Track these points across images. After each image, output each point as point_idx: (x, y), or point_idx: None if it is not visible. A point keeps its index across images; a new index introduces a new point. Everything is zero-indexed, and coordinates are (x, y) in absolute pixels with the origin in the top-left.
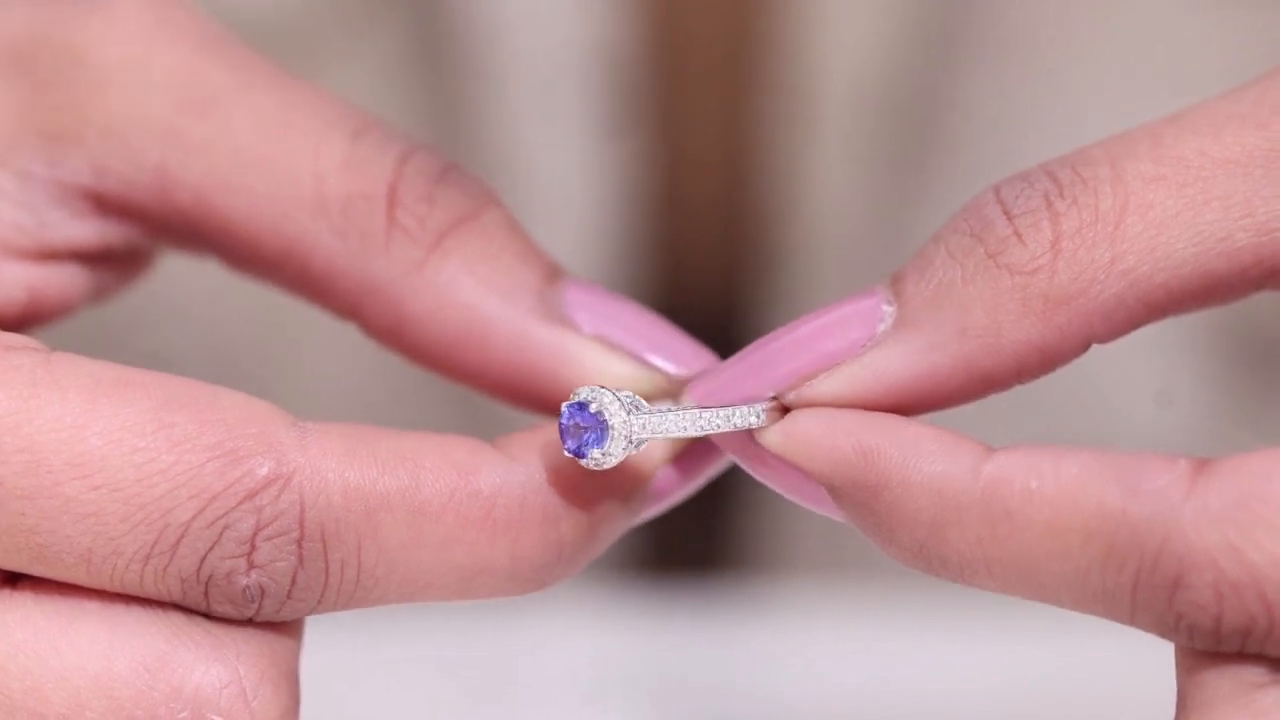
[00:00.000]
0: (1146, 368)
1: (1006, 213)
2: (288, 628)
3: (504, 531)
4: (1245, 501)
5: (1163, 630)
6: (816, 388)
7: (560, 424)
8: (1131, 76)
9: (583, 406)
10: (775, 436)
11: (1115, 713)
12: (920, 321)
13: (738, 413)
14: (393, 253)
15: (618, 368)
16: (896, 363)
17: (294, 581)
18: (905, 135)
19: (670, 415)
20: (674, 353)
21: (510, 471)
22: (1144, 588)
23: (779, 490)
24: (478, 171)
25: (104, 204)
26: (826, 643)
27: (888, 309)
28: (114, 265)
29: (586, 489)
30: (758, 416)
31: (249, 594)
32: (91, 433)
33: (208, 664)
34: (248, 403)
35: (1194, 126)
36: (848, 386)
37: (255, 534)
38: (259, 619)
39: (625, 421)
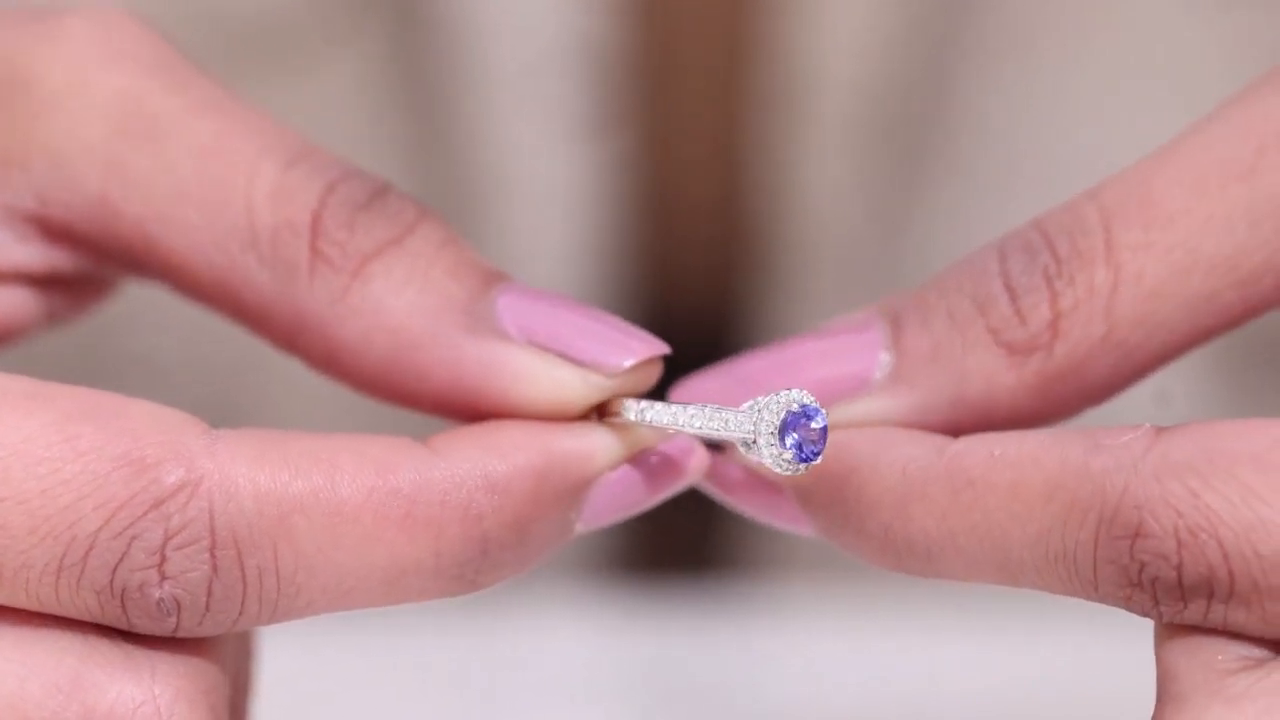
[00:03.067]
0: None
1: (1009, 288)
2: (212, 645)
3: (425, 529)
4: (1207, 454)
5: (1128, 594)
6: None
7: (790, 424)
8: (1130, 76)
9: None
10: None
11: (1113, 712)
12: (917, 382)
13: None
14: (316, 283)
15: (553, 373)
16: (889, 417)
17: (210, 592)
18: (902, 134)
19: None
20: (619, 346)
21: (431, 467)
22: (1105, 542)
23: (748, 511)
24: (465, 172)
25: (49, 230)
26: (821, 643)
27: (885, 357)
28: (66, 290)
29: (514, 488)
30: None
31: (164, 607)
32: None
33: (121, 684)
34: (157, 412)
35: (1179, 177)
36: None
37: (165, 544)
38: (182, 634)
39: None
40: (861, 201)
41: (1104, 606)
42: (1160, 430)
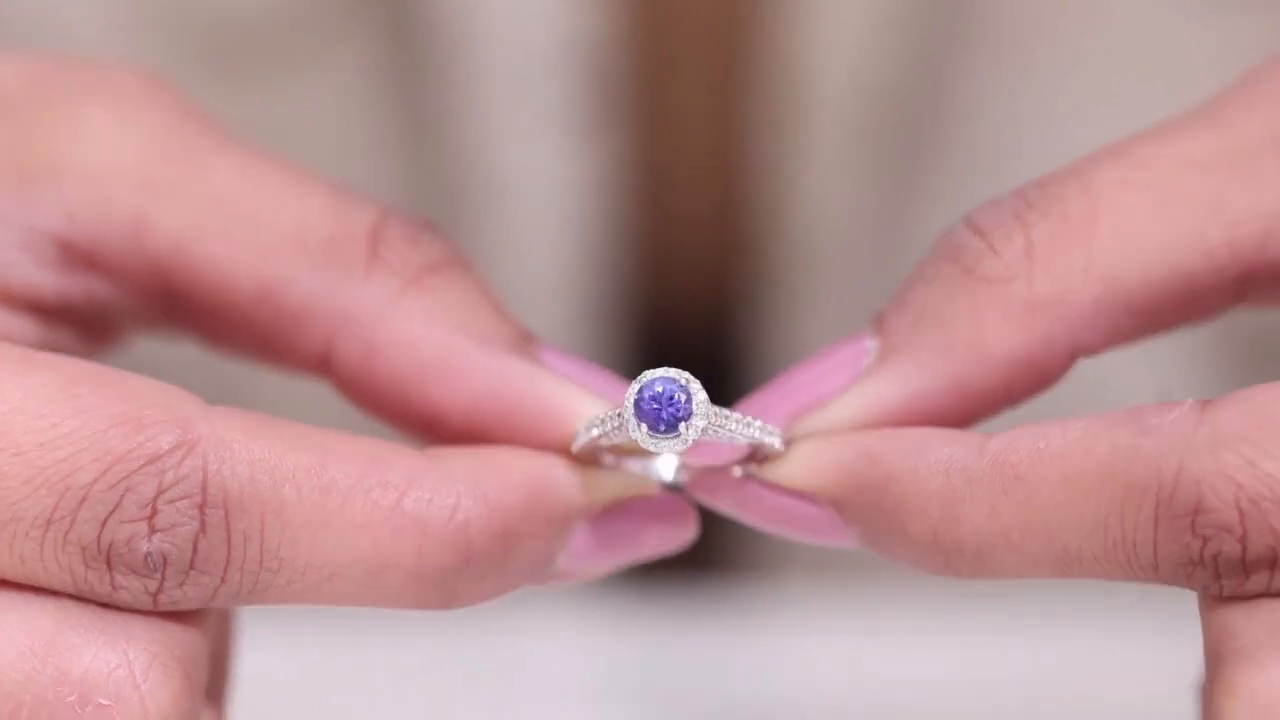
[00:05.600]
0: (1146, 368)
1: (978, 231)
2: (191, 619)
3: (411, 523)
4: (1257, 421)
5: (1189, 571)
6: (810, 424)
7: (637, 400)
8: (1129, 78)
9: (659, 390)
10: (780, 467)
11: (1113, 712)
12: (904, 346)
13: (766, 430)
14: (372, 282)
15: (594, 408)
16: (885, 389)
17: (195, 550)
18: (901, 134)
19: (734, 415)
20: None
21: (425, 468)
22: (1165, 521)
23: (784, 529)
24: (462, 172)
25: (71, 255)
26: (821, 644)
27: (871, 344)
28: (70, 327)
29: (504, 501)
30: (779, 441)
31: (151, 561)
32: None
33: (95, 648)
34: (157, 383)
35: (1155, 134)
36: (840, 419)
37: (157, 497)
38: (163, 600)
39: (707, 402)
40: (860, 202)
41: (1104, 606)
42: (1205, 403)
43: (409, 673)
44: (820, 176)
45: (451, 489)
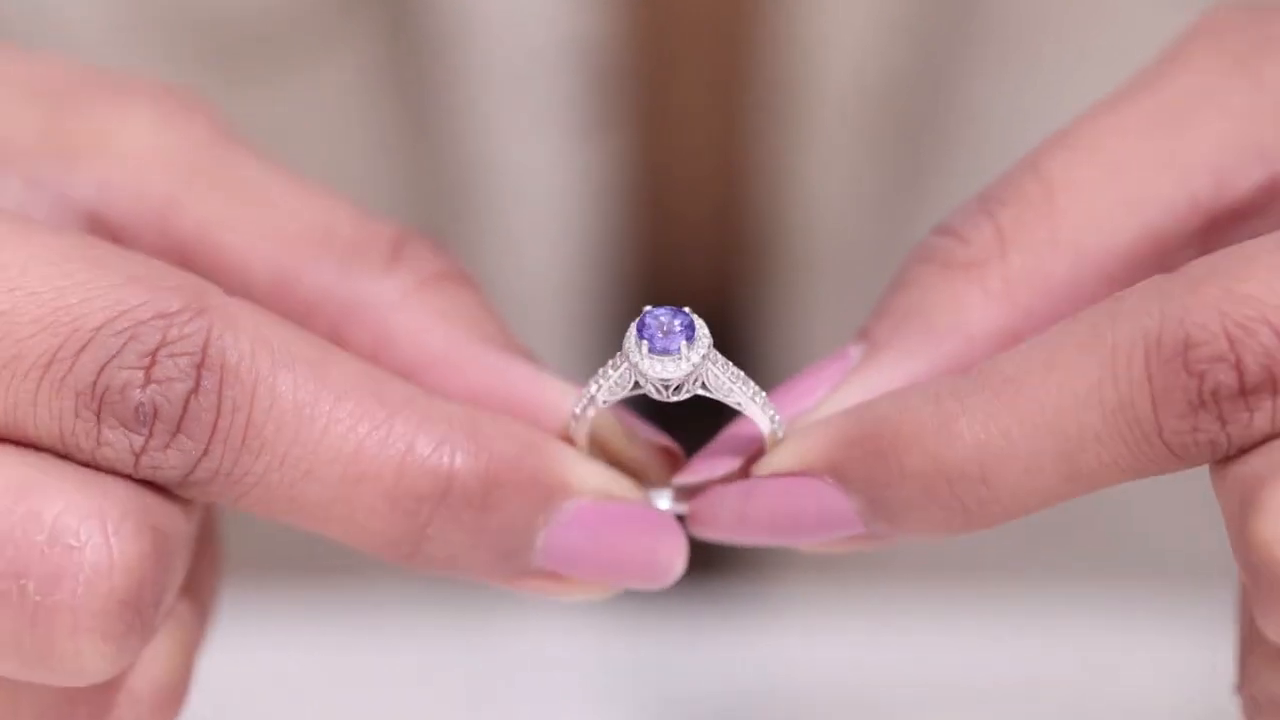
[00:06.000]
0: None
1: (947, 231)
2: (169, 495)
3: (399, 440)
4: (1225, 258)
5: (1193, 424)
6: (802, 424)
7: (639, 322)
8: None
9: (662, 317)
10: (775, 456)
11: (1113, 712)
12: (889, 341)
13: (770, 409)
14: (390, 277)
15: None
16: (874, 382)
17: (185, 408)
18: (903, 133)
19: (733, 369)
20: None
21: (424, 398)
22: (1158, 370)
23: (788, 532)
24: (462, 171)
25: (98, 227)
26: (821, 645)
27: (855, 351)
28: None
29: (495, 447)
30: (773, 415)
31: (141, 413)
32: (16, 246)
33: (72, 494)
34: (181, 270)
35: (1094, 111)
36: (831, 412)
37: (158, 349)
38: (144, 462)
39: (709, 338)
40: (861, 201)
41: (1104, 606)
42: (1169, 271)
43: (409, 673)
44: (821, 176)
45: (445, 419)
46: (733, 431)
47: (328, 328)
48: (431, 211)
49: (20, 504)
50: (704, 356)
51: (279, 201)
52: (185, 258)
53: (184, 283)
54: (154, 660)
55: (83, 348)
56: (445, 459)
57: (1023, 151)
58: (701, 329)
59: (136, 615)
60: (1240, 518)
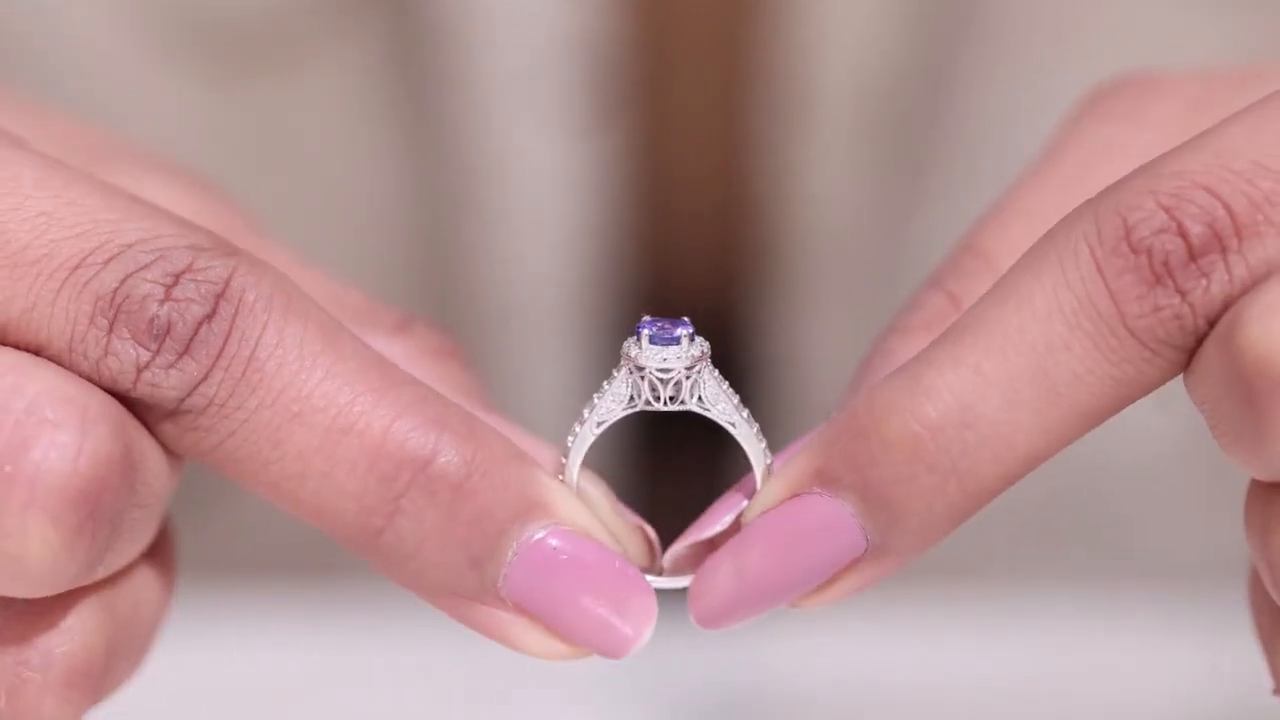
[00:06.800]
0: None
1: (901, 311)
2: (148, 437)
3: (392, 405)
4: (1147, 164)
5: (1154, 307)
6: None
7: (639, 325)
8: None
9: (661, 322)
10: (762, 495)
11: (1112, 711)
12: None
13: (762, 446)
14: (395, 341)
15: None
16: (810, 447)
17: (196, 331)
18: (903, 133)
19: (728, 389)
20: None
21: (428, 387)
22: (1106, 260)
23: (790, 572)
24: (462, 169)
25: None
26: (822, 645)
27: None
28: None
29: (487, 441)
30: (770, 464)
31: (155, 325)
32: (65, 172)
33: (58, 381)
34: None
35: (1015, 185)
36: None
37: (184, 271)
38: (144, 379)
39: (701, 343)
40: (862, 201)
41: (1104, 606)
42: None
43: (409, 673)
44: (821, 175)
45: (444, 405)
46: (713, 509)
47: None
48: (432, 209)
49: (6, 377)
50: (704, 354)
51: (289, 268)
52: None
53: (221, 233)
54: (77, 628)
55: (113, 257)
56: (434, 432)
57: (1022, 151)
58: (699, 339)
59: (90, 518)
60: (1225, 347)
